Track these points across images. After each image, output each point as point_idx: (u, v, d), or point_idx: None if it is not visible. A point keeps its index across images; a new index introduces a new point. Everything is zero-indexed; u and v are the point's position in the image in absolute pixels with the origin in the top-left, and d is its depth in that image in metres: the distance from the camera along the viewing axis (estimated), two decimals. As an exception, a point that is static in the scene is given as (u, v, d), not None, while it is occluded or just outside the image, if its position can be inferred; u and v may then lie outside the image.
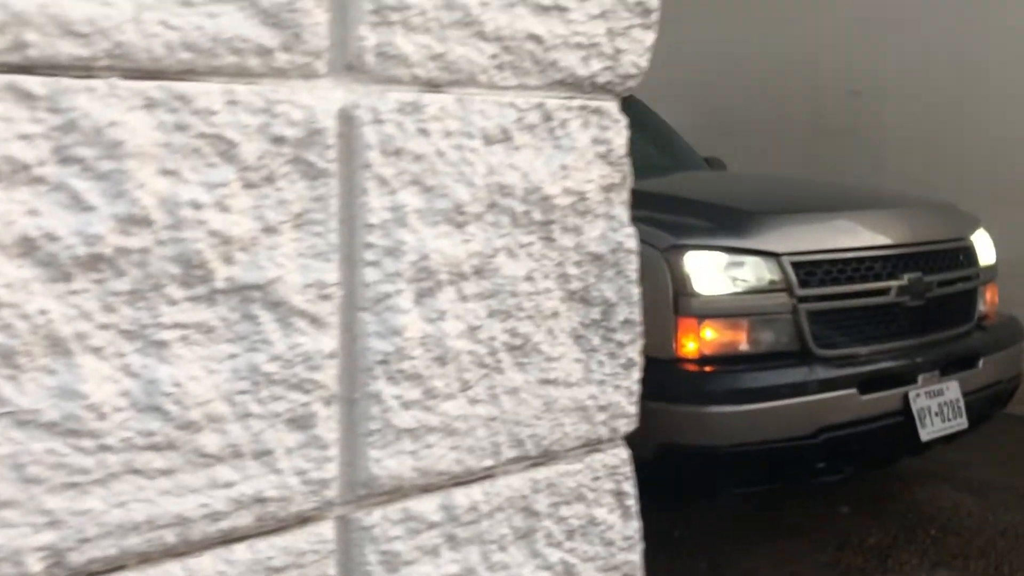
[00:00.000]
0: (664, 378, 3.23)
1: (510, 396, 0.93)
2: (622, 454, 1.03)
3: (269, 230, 0.77)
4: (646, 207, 3.60)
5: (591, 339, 0.99)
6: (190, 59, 0.74)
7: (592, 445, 1.00)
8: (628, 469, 1.04)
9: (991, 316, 4.18)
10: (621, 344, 1.01)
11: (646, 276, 3.44)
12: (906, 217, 3.81)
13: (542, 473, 0.96)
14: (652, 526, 3.92)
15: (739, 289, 3.30)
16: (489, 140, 0.89)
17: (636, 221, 3.34)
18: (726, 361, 3.28)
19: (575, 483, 0.98)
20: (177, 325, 0.74)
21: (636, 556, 1.05)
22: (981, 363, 3.82)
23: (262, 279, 0.77)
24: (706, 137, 6.69)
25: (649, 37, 1.00)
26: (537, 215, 0.93)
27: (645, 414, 3.39)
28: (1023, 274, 5.44)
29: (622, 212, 1.02)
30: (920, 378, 3.55)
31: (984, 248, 4.11)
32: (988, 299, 4.13)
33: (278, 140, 0.77)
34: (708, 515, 4.04)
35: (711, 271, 3.27)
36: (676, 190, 4.30)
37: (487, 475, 0.93)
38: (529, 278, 0.93)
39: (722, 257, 3.29)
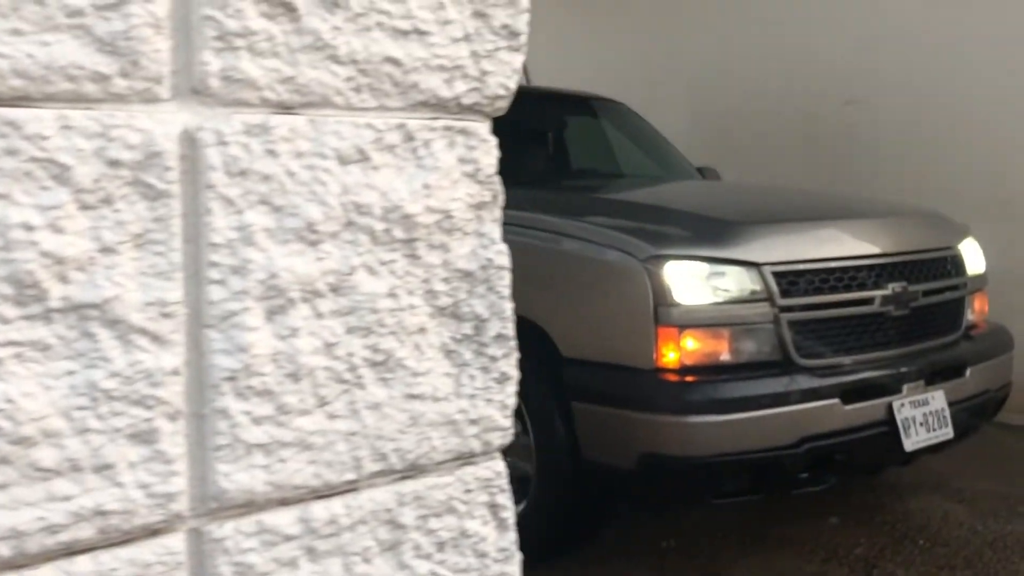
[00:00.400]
0: (645, 388, 3.24)
1: (372, 411, 0.94)
2: (497, 467, 1.04)
3: (107, 250, 0.79)
4: (627, 217, 3.63)
5: (463, 354, 1.00)
6: (22, 86, 0.76)
7: (464, 458, 1.01)
8: (503, 482, 1.05)
9: (981, 325, 4.15)
10: (494, 359, 1.02)
11: (626, 286, 3.44)
12: (891, 226, 3.79)
13: (409, 486, 0.97)
14: (640, 535, 3.91)
15: (720, 299, 3.29)
16: (344, 160, 0.91)
17: (617, 231, 3.34)
18: (707, 371, 3.27)
19: (445, 496, 0.99)
20: (10, 343, 0.76)
21: (513, 568, 1.05)
22: (968, 372, 3.79)
23: (99, 298, 0.79)
24: (704, 146, 6.68)
25: (517, 59, 1.02)
26: (399, 233, 0.94)
27: (627, 424, 3.39)
28: (1017, 283, 5.40)
29: (493, 229, 1.03)
30: (905, 388, 3.54)
31: (973, 257, 4.08)
32: (977, 308, 4.10)
33: (115, 163, 0.79)
34: (698, 525, 4.03)
35: (691, 281, 3.27)
36: (659, 200, 4.31)
37: (349, 489, 0.94)
38: (392, 295, 0.94)
39: (702, 267, 3.29)
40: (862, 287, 3.51)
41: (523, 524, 3.72)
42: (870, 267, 3.55)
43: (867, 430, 3.43)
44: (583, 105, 5.39)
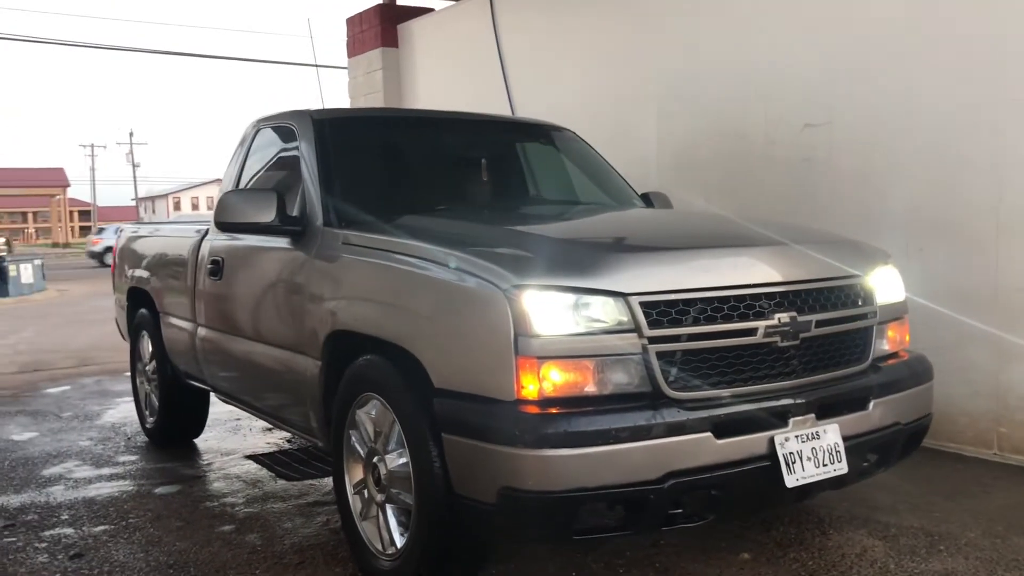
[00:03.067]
0: (504, 420, 3.03)
1: None
2: None
3: None
4: (498, 244, 3.41)
5: None
6: None
7: None
8: None
9: (902, 355, 3.79)
10: None
11: (488, 315, 3.24)
12: (783, 255, 3.45)
13: None
14: (539, 571, 3.68)
15: (583, 330, 3.05)
16: None
17: (484, 259, 3.15)
18: (569, 403, 3.03)
19: None
20: None
21: None
22: (871, 405, 3.45)
23: None
24: (669, 171, 6.41)
25: None
26: None
27: (487, 457, 3.19)
28: (972, 304, 4.99)
29: None
30: (791, 421, 3.23)
31: (887, 286, 3.72)
32: (893, 338, 3.74)
33: None
34: (602, 559, 3.78)
35: (554, 311, 3.04)
36: (548, 230, 4.08)
37: None
38: None
39: (566, 297, 3.06)
40: (743, 317, 3.22)
41: (404, 558, 3.51)
42: (753, 297, 3.25)
43: (743, 465, 3.13)
44: (532, 132, 5.18)
